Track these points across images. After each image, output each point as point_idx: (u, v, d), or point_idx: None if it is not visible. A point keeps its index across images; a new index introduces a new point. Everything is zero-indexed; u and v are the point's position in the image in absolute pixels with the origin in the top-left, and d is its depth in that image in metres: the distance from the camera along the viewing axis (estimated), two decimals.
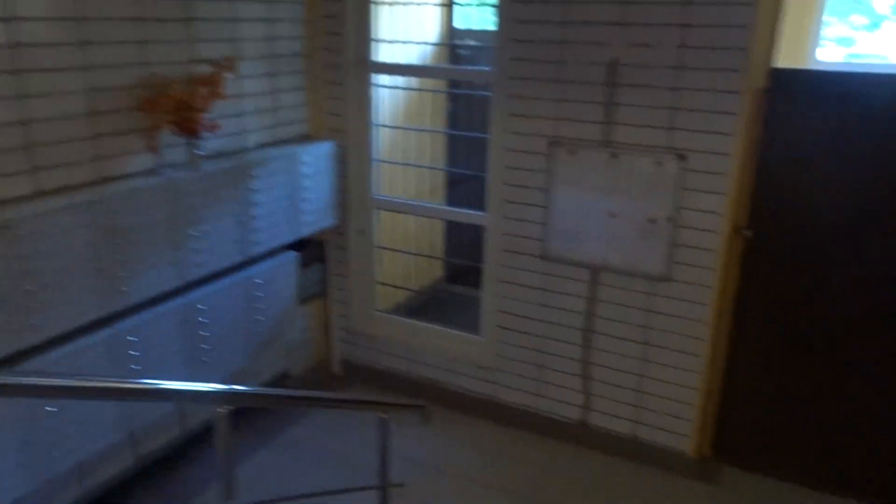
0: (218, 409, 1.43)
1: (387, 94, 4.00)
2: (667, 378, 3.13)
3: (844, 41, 5.17)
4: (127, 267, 2.55)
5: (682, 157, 2.85)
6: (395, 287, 4.25)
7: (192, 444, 3.17)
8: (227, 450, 1.42)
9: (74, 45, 2.42)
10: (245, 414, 3.39)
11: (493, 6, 3.15)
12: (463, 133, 4.13)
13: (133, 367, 2.64)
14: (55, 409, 2.36)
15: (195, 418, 3.11)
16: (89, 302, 2.45)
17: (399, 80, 4.07)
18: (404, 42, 3.93)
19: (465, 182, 4.65)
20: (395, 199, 3.85)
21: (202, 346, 2.94)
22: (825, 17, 4.73)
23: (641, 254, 3.02)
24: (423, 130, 4.37)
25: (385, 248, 4.00)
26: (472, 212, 3.53)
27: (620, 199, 3.00)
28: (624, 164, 2.95)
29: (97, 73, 2.51)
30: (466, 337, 3.64)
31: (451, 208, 3.67)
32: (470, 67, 3.59)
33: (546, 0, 2.94)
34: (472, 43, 4.42)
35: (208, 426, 3.17)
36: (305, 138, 3.54)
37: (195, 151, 2.83)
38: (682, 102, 2.81)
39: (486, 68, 3.31)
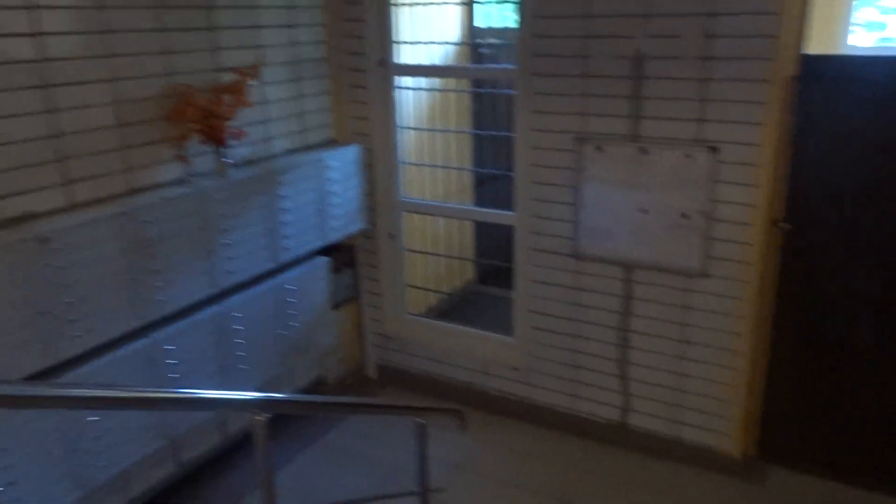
0: (256, 417, 1.42)
1: (410, 96, 3.99)
2: (707, 376, 3.07)
3: (875, 26, 5.04)
4: (160, 276, 2.57)
5: (713, 150, 2.79)
6: (426, 290, 4.23)
7: (233, 450, 3.18)
8: (266, 457, 1.41)
9: (100, 57, 2.45)
10: (283, 420, 3.39)
11: (515, 3, 3.12)
12: (488, 132, 4.11)
13: (171, 375, 2.66)
14: (97, 419, 2.39)
15: (235, 425, 3.12)
16: (125, 312, 2.47)
17: (422, 81, 4.06)
18: (425, 43, 3.92)
19: (492, 182, 4.63)
20: (423, 202, 3.83)
21: (237, 353, 2.95)
22: (854, 2, 4.62)
23: (675, 249, 2.96)
24: (448, 131, 4.36)
25: (415, 251, 3.99)
26: (500, 212, 3.51)
27: (651, 194, 2.95)
28: (653, 158, 2.90)
29: (123, 84, 2.53)
30: (499, 338, 3.61)
31: (479, 209, 3.65)
32: (493, 66, 3.57)
33: None
34: (493, 41, 4.39)
35: (248, 433, 3.18)
36: (331, 143, 3.55)
37: (223, 159, 2.84)
38: (710, 93, 2.75)
39: (510, 66, 3.28)
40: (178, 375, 2.70)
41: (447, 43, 4.23)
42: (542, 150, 3.14)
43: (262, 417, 1.42)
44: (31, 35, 2.24)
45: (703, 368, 3.07)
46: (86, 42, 2.40)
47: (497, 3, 4.51)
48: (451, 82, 4.39)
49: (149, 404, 1.34)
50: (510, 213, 3.39)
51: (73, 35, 2.36)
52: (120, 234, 2.42)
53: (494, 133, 3.85)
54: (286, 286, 3.18)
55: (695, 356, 3.07)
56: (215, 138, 2.76)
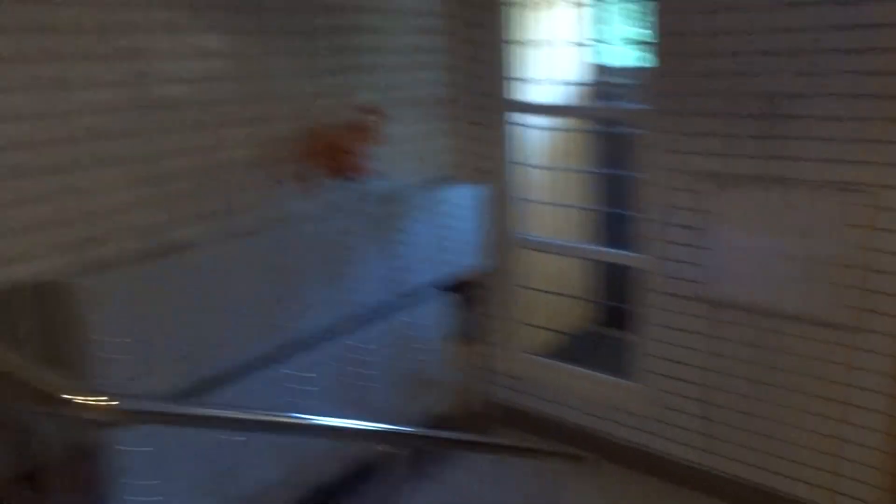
0: (392, 451, 1.43)
1: (530, 135, 4.00)
2: (858, 440, 2.81)
3: None
4: (293, 304, 2.68)
5: (865, 193, 2.60)
6: (543, 328, 4.16)
7: (353, 478, 3.21)
8: (400, 491, 1.41)
9: (250, 99, 2.62)
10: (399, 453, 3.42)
11: (642, 42, 3.07)
12: (610, 171, 4.03)
13: (298, 401, 2.75)
14: (241, 440, 2.49)
15: (355, 454, 3.16)
16: (261, 337, 2.59)
17: (542, 120, 4.05)
18: (546, 82, 3.91)
19: (612, 221, 4.53)
20: (542, 239, 3.80)
21: (360, 383, 3.01)
22: None
23: (821, 299, 2.76)
24: (568, 170, 4.31)
25: (532, 289, 3.95)
26: (623, 252, 3.42)
27: (793, 239, 2.78)
28: (797, 201, 2.74)
29: (268, 123, 2.69)
30: (619, 382, 3.49)
31: (600, 248, 3.58)
32: (618, 104, 3.52)
33: (702, 33, 2.83)
34: (616, 80, 4.33)
35: (367, 463, 3.22)
36: (451, 180, 3.60)
37: (351, 194, 2.95)
38: (861, 133, 2.58)
39: (636, 105, 3.22)
40: (304, 401, 2.79)
41: (569, 82, 4.22)
42: (672, 190, 3.04)
43: (399, 451, 1.43)
44: (194, 81, 2.44)
45: (854, 432, 2.82)
46: (240, 85, 2.57)
47: (621, 42, 4.46)
48: (572, 121, 4.36)
49: (285, 429, 1.38)
50: (634, 254, 3.30)
51: (230, 80, 2.54)
52: (260, 263, 2.55)
53: (618, 172, 3.77)
54: (406, 319, 3.23)
55: (844, 417, 2.83)
56: (346, 174, 2.87)
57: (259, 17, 2.59)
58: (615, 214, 4.27)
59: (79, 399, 0.92)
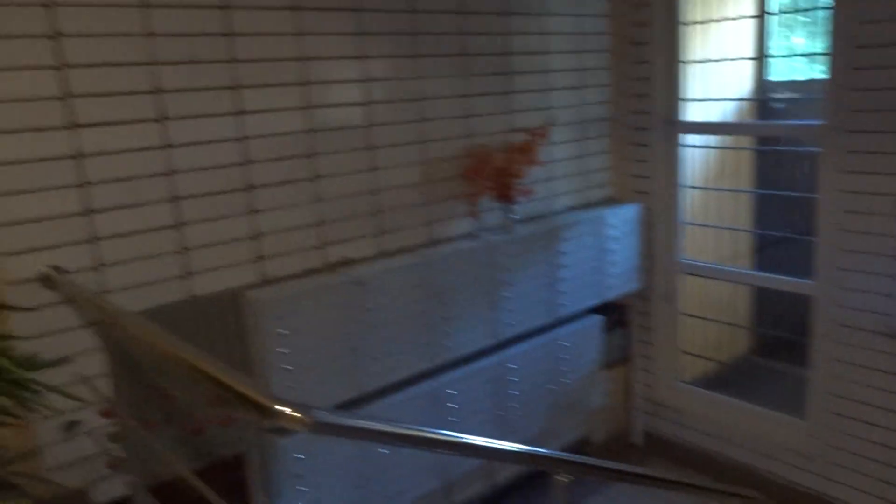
0: (558, 478, 1.41)
1: (694, 155, 3.84)
2: None
3: None
4: (450, 324, 2.73)
5: None
6: (701, 357, 3.97)
7: (498, 498, 3.22)
8: None
9: (413, 122, 2.71)
10: (540, 476, 3.38)
11: (821, 54, 2.87)
12: (781, 192, 3.78)
13: (450, 418, 2.79)
14: (386, 452, 2.57)
15: (501, 474, 3.16)
16: (419, 354, 2.65)
17: (703, 138, 3.89)
18: (715, 100, 3.76)
19: (774, 246, 4.24)
20: (705, 264, 3.63)
21: (510, 404, 3.01)
22: None
23: None
24: (737, 191, 4.10)
25: (691, 316, 3.78)
26: (795, 279, 3.18)
27: None
28: None
29: (430, 145, 2.77)
30: (788, 419, 3.24)
31: (769, 275, 3.35)
32: (793, 122, 3.30)
33: (887, 43, 2.60)
34: (787, 95, 4.08)
35: (514, 484, 3.22)
36: (610, 201, 3.53)
37: (509, 215, 2.96)
38: None
39: (814, 122, 3.00)
40: (456, 419, 2.83)
41: (736, 99, 4.03)
42: (854, 213, 2.80)
43: (565, 479, 1.41)
44: (363, 104, 2.56)
45: None
46: (403, 109, 2.68)
47: (790, 56, 4.20)
48: (735, 139, 4.15)
49: (461, 449, 1.39)
50: (807, 281, 3.06)
51: (393, 103, 2.65)
52: (419, 282, 2.62)
53: (792, 194, 3.52)
54: (560, 342, 3.19)
55: None
56: (506, 195, 2.90)
57: (421, 42, 2.68)
58: (782, 239, 4.01)
59: (288, 411, 0.98)
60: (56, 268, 1.98)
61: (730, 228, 4.03)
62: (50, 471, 1.94)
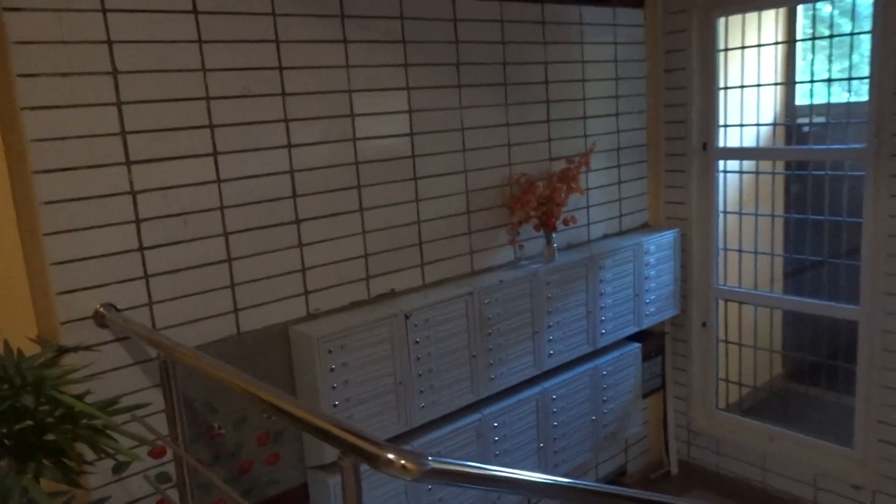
0: None
1: (731, 180, 3.82)
2: None
3: None
4: (494, 355, 2.69)
5: None
6: (737, 384, 3.91)
7: None
8: None
9: (456, 152, 2.70)
10: None
11: (861, 78, 2.86)
12: (819, 217, 3.74)
13: (495, 452, 2.74)
14: (431, 489, 2.52)
15: None
16: (465, 387, 2.61)
17: (745, 164, 3.87)
18: (749, 125, 3.74)
19: (807, 270, 4.20)
20: (742, 290, 3.59)
21: (553, 436, 2.96)
22: None
23: None
24: (774, 216, 4.07)
25: (728, 342, 3.73)
26: (839, 305, 3.14)
27: None
28: None
29: (472, 175, 2.75)
30: (834, 448, 3.18)
31: (811, 300, 3.31)
32: (835, 146, 3.28)
33: None
34: (818, 120, 4.06)
35: None
36: (646, 227, 3.51)
37: (551, 244, 2.94)
38: None
39: (857, 146, 2.99)
40: (499, 452, 2.77)
41: (768, 124, 4.02)
42: None
43: None
44: (406, 135, 2.55)
45: None
46: (445, 139, 2.67)
47: (820, 81, 4.19)
48: (768, 164, 4.13)
49: (562, 494, 1.32)
50: (852, 306, 3.03)
51: (435, 133, 2.64)
52: (464, 313, 2.58)
53: (832, 218, 3.49)
54: (601, 371, 3.14)
55: None
56: (549, 224, 2.87)
57: (460, 73, 2.68)
58: (816, 262, 3.97)
59: (402, 461, 0.95)
60: (109, 305, 1.95)
61: (768, 254, 3.99)
62: None
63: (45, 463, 1.31)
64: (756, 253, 3.60)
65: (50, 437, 1.34)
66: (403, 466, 0.95)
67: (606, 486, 1.43)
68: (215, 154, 2.10)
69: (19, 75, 1.76)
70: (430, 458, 0.98)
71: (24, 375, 1.32)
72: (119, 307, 1.97)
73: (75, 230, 1.88)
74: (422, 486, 2.47)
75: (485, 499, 2.72)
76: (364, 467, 1.01)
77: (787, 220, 4.06)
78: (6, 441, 1.33)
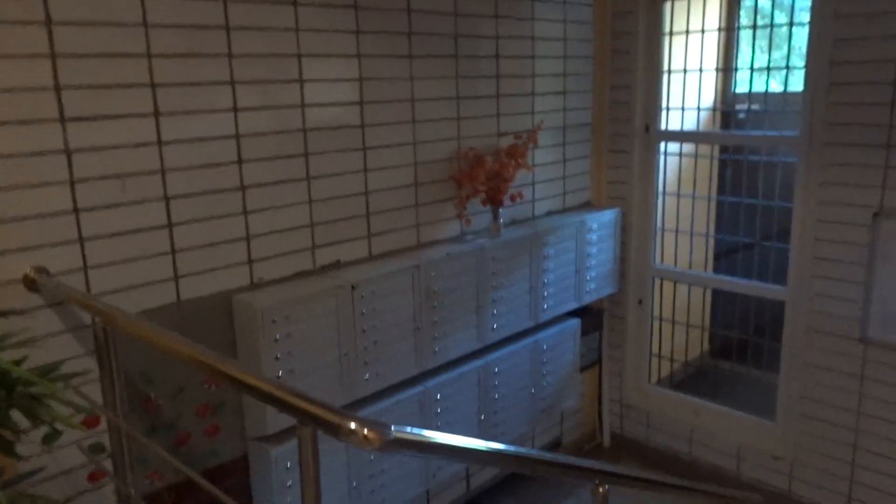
0: (599, 488, 1.40)
1: (670, 162, 3.92)
2: None
3: None
4: (438, 328, 2.69)
5: None
6: (669, 360, 4.06)
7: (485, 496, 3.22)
8: None
9: (404, 123, 2.66)
10: (512, 481, 3.40)
11: (798, 69, 2.97)
12: (752, 201, 3.89)
13: (438, 424, 2.76)
14: (373, 459, 2.53)
15: (480, 477, 3.16)
16: (408, 360, 2.61)
17: (683, 147, 3.97)
18: (689, 109, 3.84)
19: (736, 252, 4.37)
20: (677, 269, 3.71)
21: (494, 409, 3.00)
22: None
23: None
24: (706, 198, 4.19)
25: (662, 320, 3.85)
26: (768, 285, 3.29)
27: None
28: None
29: (421, 147, 2.73)
30: (757, 421, 3.34)
31: (742, 280, 3.44)
32: (770, 133, 3.40)
33: (875, 60, 2.70)
34: (753, 107, 4.20)
35: (490, 487, 3.22)
36: (588, 206, 3.56)
37: (497, 220, 2.95)
38: None
39: (791, 133, 3.10)
40: (441, 424, 2.80)
41: (708, 109, 4.13)
42: (829, 223, 2.91)
43: (603, 489, 1.40)
44: (356, 104, 2.50)
45: None
46: (395, 109, 2.63)
47: (755, 69, 4.33)
48: (706, 149, 4.25)
49: (522, 464, 1.34)
50: (780, 287, 3.17)
51: (385, 103, 2.60)
52: (409, 287, 2.57)
53: (768, 202, 3.62)
54: (541, 345, 3.20)
55: None
56: (496, 199, 2.88)
57: (412, 43, 2.64)
58: (744, 245, 4.13)
59: (365, 430, 0.93)
60: (40, 269, 1.85)
61: (702, 235, 4.12)
62: (31, 485, 1.82)
63: None
64: (692, 235, 3.72)
65: None
66: (366, 436, 0.94)
67: (563, 455, 1.45)
68: (156, 114, 2.01)
69: None
70: (392, 427, 0.97)
71: None
72: (51, 272, 1.87)
73: (3, 189, 1.77)
74: (364, 456, 2.47)
75: (425, 468, 2.74)
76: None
77: (721, 202, 4.20)
78: None
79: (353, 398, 2.45)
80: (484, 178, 2.78)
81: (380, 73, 2.55)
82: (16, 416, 1.32)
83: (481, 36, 2.88)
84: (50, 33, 1.79)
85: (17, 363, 1.29)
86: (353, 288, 2.38)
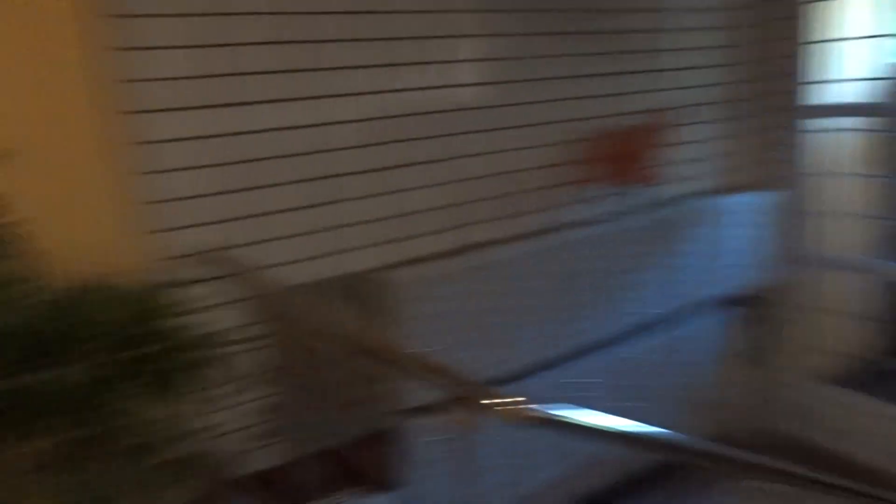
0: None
1: (828, 140, 3.61)
2: None
3: None
4: (575, 312, 2.67)
5: None
6: (831, 353, 3.76)
7: (631, 486, 3.16)
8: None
9: (526, 104, 2.64)
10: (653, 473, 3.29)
11: None
12: None
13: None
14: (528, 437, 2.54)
15: (636, 464, 3.10)
16: (543, 343, 2.61)
17: (843, 123, 3.64)
18: (847, 82, 3.50)
19: None
20: (839, 256, 3.42)
21: (634, 399, 2.93)
22: None
23: None
24: (873, 177, 3.82)
25: (823, 310, 3.57)
26: None
27: None
28: None
29: (549, 128, 2.69)
30: None
31: None
32: None
33: None
34: None
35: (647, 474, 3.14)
36: (737, 188, 3.37)
37: (629, 202, 2.86)
38: None
39: None
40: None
41: (874, 79, 3.75)
42: None
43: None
44: (484, 84, 2.52)
45: None
46: (524, 90, 2.61)
47: None
48: (879, 122, 3.86)
49: (671, 450, 1.32)
50: None
51: (514, 84, 2.58)
52: (539, 270, 2.57)
53: None
54: (681, 335, 3.08)
55: None
56: (625, 181, 2.81)
57: (540, 20, 2.60)
58: None
59: (505, 401, 0.96)
60: (212, 243, 2.04)
61: (869, 217, 3.75)
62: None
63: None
64: (861, 217, 3.40)
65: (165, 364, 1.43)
66: (508, 411, 0.96)
67: (708, 442, 1.39)
68: (320, 98, 2.15)
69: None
70: (536, 404, 0.99)
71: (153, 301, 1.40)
72: (223, 246, 2.06)
73: (178, 170, 1.96)
74: (509, 434, 2.50)
75: (562, 449, 2.73)
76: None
77: (889, 182, 3.81)
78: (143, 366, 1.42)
79: (487, 380, 2.48)
80: (613, 158, 2.71)
81: (507, 54, 2.55)
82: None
83: (618, 10, 2.79)
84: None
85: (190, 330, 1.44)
86: (491, 268, 2.42)
